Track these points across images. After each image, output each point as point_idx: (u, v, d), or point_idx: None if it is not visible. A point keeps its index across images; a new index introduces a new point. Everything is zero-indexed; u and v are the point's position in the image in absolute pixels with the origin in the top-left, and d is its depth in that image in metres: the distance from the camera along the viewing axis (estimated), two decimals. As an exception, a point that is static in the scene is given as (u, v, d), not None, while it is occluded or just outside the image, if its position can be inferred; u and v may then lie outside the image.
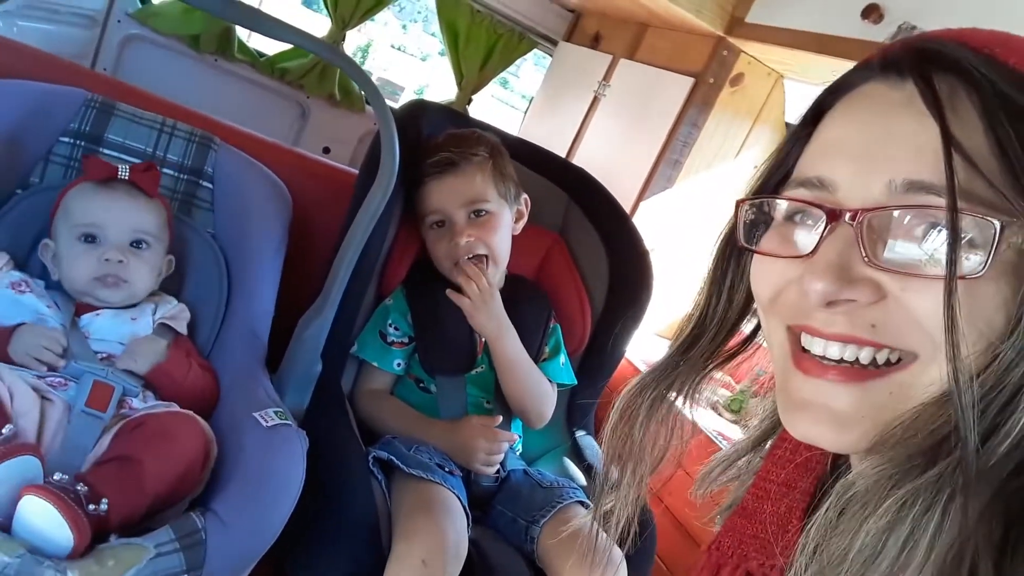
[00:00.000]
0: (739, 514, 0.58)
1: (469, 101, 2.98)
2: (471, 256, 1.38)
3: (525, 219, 1.50)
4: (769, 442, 0.61)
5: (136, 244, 1.16)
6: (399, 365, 1.41)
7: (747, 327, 0.59)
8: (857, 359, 0.45)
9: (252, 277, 1.31)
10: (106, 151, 1.31)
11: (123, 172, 1.16)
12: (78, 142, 1.29)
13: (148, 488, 0.90)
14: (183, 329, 1.22)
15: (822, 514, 0.43)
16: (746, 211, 0.51)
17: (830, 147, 0.48)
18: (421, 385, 1.41)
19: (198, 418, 1.04)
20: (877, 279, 0.43)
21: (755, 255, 0.51)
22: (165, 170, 1.34)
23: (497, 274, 1.43)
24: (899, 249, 0.43)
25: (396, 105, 3.30)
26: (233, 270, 1.32)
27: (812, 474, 0.56)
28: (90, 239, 1.13)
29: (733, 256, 0.57)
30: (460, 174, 1.38)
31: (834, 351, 0.45)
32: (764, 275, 0.50)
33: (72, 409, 0.99)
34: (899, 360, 0.44)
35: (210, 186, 1.38)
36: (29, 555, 0.76)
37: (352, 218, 1.37)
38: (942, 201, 0.40)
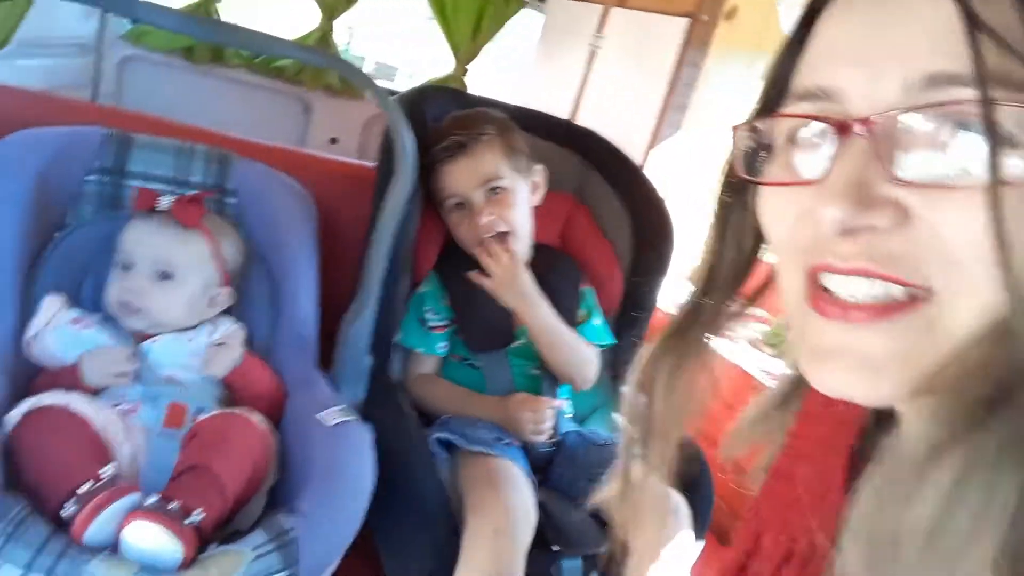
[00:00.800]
0: (774, 477, 0.55)
1: (465, 72, 2.98)
2: (493, 234, 1.41)
3: (543, 189, 1.52)
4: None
5: (163, 276, 1.19)
6: (442, 347, 1.46)
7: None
8: (885, 292, 0.38)
9: (293, 284, 1.36)
10: (131, 183, 1.36)
11: (164, 203, 1.21)
12: (104, 178, 1.33)
13: (227, 489, 0.97)
14: (238, 346, 1.27)
15: (869, 482, 0.37)
16: (743, 138, 0.45)
17: (829, 50, 0.41)
18: (467, 362, 1.46)
19: (246, 413, 1.10)
20: (900, 199, 0.37)
21: (761, 189, 0.45)
22: (189, 192, 1.38)
23: (521, 248, 1.47)
24: (924, 159, 0.36)
25: (392, 85, 3.30)
26: (276, 280, 1.37)
27: (852, 428, 0.51)
28: (125, 266, 1.19)
29: (737, 193, 0.50)
30: (471, 155, 1.41)
31: (856, 288, 0.39)
32: (771, 210, 0.44)
33: (150, 432, 1.05)
34: (923, 293, 0.38)
35: (235, 200, 1.42)
36: (143, 573, 0.82)
37: (377, 214, 1.41)
38: (971, 93, 0.34)
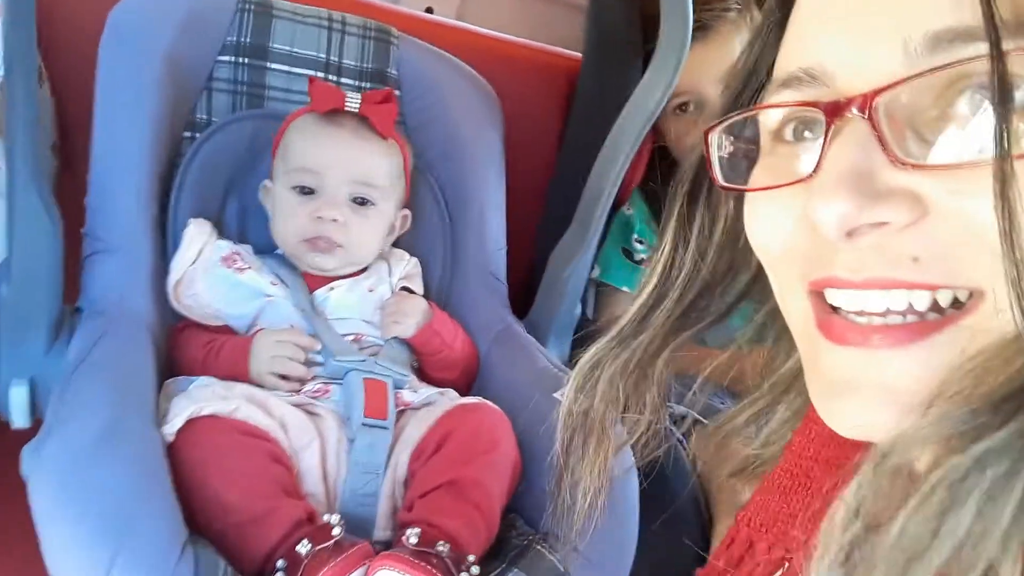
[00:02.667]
0: (769, 491, 0.49)
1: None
2: None
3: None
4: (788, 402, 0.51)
5: (359, 200, 0.90)
6: (649, 286, 1.17)
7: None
8: (911, 306, 0.32)
9: (478, 207, 1.06)
10: (274, 66, 1.04)
11: (352, 101, 0.89)
12: (240, 60, 1.02)
13: (495, 516, 0.74)
14: (420, 288, 0.99)
15: (852, 493, 0.32)
16: (720, 142, 0.40)
17: (810, 25, 0.36)
18: (676, 304, 1.18)
19: (489, 404, 0.84)
20: (913, 188, 0.31)
21: (746, 200, 0.40)
22: (344, 80, 1.07)
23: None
24: (939, 136, 0.31)
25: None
26: (451, 201, 1.07)
27: (860, 449, 0.42)
28: (306, 190, 0.89)
29: (701, 198, 0.46)
30: (712, 39, 1.08)
31: (872, 304, 0.33)
32: (761, 220, 0.39)
33: (348, 422, 0.79)
34: (970, 296, 0.32)
35: (397, 93, 1.10)
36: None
37: (581, 118, 1.10)
38: (986, 49, 0.28)
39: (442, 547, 0.65)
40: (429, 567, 0.61)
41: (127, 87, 0.87)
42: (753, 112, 0.39)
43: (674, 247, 0.47)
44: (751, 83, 0.43)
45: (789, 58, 0.37)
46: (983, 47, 0.28)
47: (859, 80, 0.33)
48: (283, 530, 0.64)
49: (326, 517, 0.67)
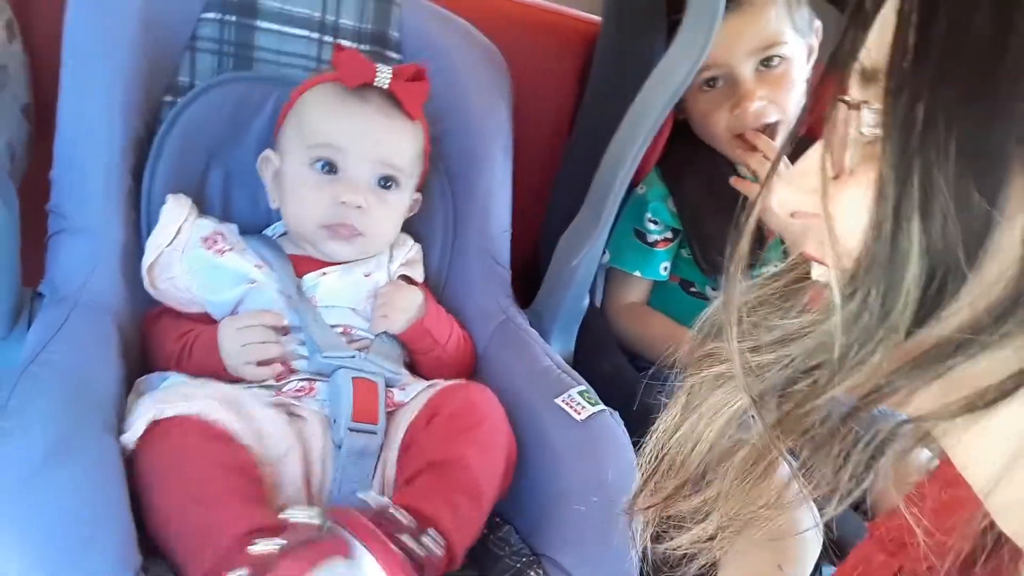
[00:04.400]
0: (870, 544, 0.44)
1: None
2: (759, 126, 1.01)
3: (815, 55, 1.09)
4: None
5: (384, 182, 0.83)
6: (665, 269, 1.10)
7: None
8: None
9: (483, 187, 0.98)
10: (264, 24, 0.95)
11: (382, 76, 0.82)
12: (227, 16, 0.93)
13: (485, 500, 0.69)
14: (421, 275, 0.92)
15: None
16: None
17: None
18: (692, 290, 1.11)
19: (484, 386, 0.79)
20: None
21: None
22: (340, 42, 0.98)
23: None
24: None
25: None
26: (455, 179, 0.99)
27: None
28: (328, 168, 0.82)
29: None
30: (747, 11, 0.99)
31: None
32: None
33: (335, 425, 0.73)
34: None
35: (399, 57, 1.02)
36: None
37: (598, 92, 1.01)
38: None
39: (395, 512, 0.62)
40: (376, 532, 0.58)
41: (97, 47, 0.79)
42: None
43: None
44: None
45: None
46: None
47: None
48: (227, 542, 0.58)
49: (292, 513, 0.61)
